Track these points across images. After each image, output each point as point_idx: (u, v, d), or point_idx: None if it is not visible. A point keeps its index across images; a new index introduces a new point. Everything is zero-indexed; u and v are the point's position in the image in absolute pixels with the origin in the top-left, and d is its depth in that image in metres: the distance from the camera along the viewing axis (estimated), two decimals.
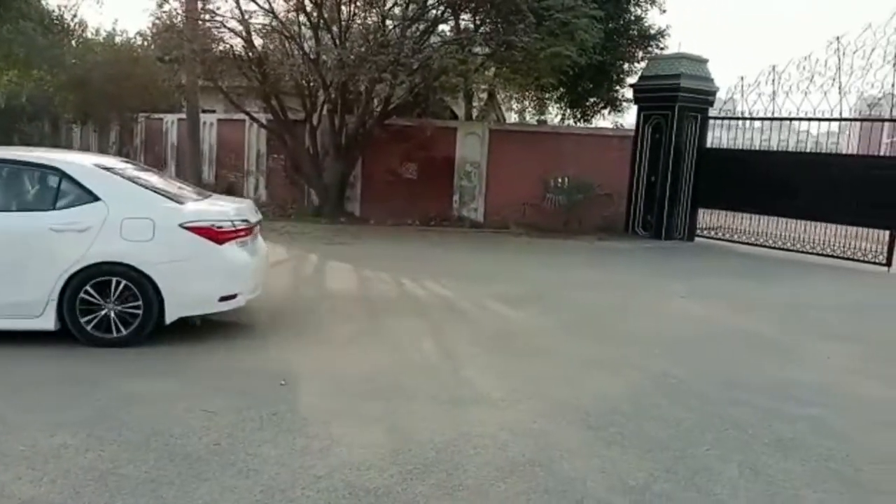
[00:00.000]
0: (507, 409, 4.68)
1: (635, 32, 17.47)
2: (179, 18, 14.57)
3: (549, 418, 4.55)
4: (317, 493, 3.46)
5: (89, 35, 25.32)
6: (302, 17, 14.07)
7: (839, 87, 12.27)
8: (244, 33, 14.16)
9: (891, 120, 12.31)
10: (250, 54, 14.35)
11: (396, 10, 14.40)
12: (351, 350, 5.90)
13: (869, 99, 12.79)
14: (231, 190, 17.49)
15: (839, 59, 12.26)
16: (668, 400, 4.99)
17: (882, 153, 12.86)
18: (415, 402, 4.71)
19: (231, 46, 14.55)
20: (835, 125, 13.52)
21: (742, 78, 13.90)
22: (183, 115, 17.69)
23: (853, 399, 5.26)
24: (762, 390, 5.29)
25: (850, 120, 13.37)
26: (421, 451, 3.96)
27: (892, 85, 11.73)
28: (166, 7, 14.77)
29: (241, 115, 16.02)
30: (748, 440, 4.34)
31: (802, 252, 12.86)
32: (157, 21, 15.36)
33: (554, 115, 21.53)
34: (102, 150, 24.99)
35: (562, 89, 18.16)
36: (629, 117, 18.88)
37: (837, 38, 12.28)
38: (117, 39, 25.37)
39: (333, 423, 4.30)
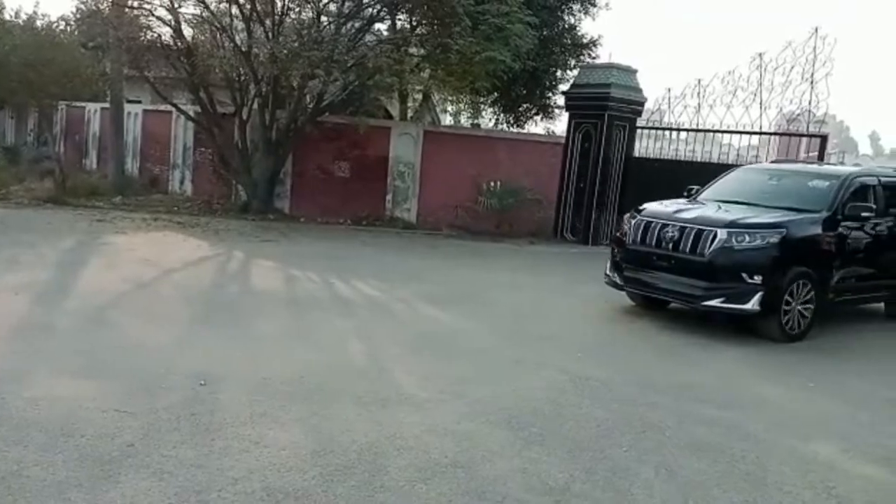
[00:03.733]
0: (432, 411, 4.67)
1: (568, 41, 17.74)
2: (105, 4, 14.07)
3: (472, 419, 4.57)
4: (233, 495, 3.39)
5: (7, 17, 24.19)
6: (234, 9, 13.77)
7: (760, 102, 12.77)
8: (173, 22, 13.77)
9: (808, 135, 12.88)
10: (179, 44, 13.96)
11: (332, 7, 14.24)
12: (275, 350, 5.80)
13: (788, 114, 13.34)
14: (155, 183, 17.01)
15: (761, 75, 12.76)
16: (590, 401, 5.09)
17: None
18: (339, 403, 4.66)
19: (159, 35, 14.13)
20: (755, 138, 14.06)
21: (669, 90, 14.30)
22: (106, 105, 17.09)
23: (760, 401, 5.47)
24: (676, 392, 5.44)
25: (770, 134, 13.89)
26: (343, 453, 3.92)
27: (809, 102, 12.29)
28: None
29: (168, 107, 15.56)
30: (664, 441, 4.46)
31: None
32: (81, 6, 14.82)
33: (488, 119, 21.69)
34: (19, 138, 23.94)
35: (496, 94, 18.28)
36: (561, 124, 19.19)
37: (760, 54, 12.79)
38: (38, 23, 24.33)
39: (254, 424, 4.21)
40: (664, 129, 14.37)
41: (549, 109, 18.96)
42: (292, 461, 3.77)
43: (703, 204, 8.35)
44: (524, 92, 18.09)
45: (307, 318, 7.00)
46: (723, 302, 7.14)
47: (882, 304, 9.18)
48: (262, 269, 9.63)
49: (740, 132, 13.25)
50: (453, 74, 14.58)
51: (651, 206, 8.23)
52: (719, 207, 8.04)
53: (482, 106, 20.89)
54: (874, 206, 8.06)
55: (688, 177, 13.43)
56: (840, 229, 7.76)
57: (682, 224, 7.46)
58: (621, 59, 15.00)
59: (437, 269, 10.62)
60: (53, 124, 21.00)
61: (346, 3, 13.82)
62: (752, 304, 7.00)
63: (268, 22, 13.42)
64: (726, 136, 13.68)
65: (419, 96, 19.76)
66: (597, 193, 14.36)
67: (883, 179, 8.60)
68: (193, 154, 16.66)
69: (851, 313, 8.85)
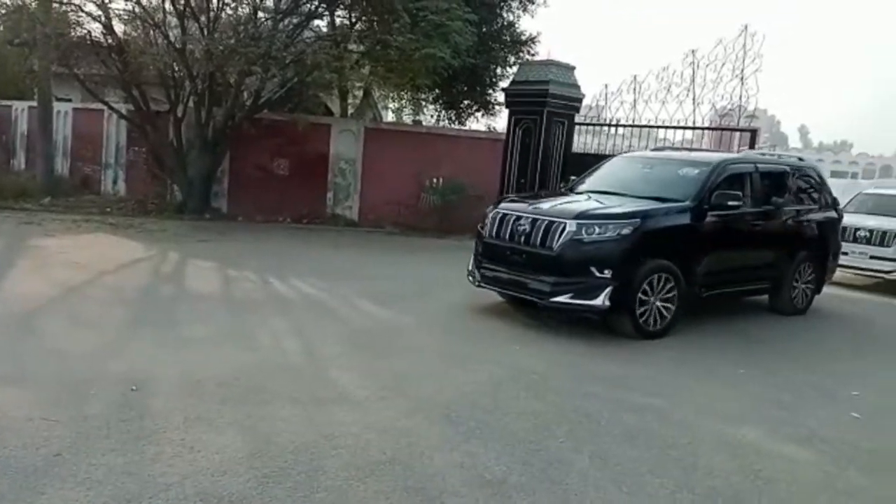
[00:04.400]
0: (371, 408, 4.66)
1: (508, 38, 17.89)
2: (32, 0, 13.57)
3: (411, 415, 4.57)
4: (166, 502, 3.32)
5: None
6: (167, 5, 13.43)
7: (693, 98, 13.09)
8: (103, 18, 13.36)
9: (739, 129, 13.25)
10: (110, 41, 13.56)
11: (269, 3, 14.04)
12: (209, 352, 5.68)
13: (721, 110, 13.70)
14: (87, 183, 16.50)
15: (693, 72, 13.07)
16: (527, 393, 5.14)
17: None
18: (275, 404, 4.60)
19: (89, 32, 13.70)
20: (690, 133, 14.38)
21: (606, 86, 14.52)
22: (34, 103, 16.48)
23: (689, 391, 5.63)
24: (610, 382, 5.55)
25: (703, 129, 14.26)
26: (279, 455, 3.87)
27: (741, 97, 12.65)
28: None
29: (100, 105, 15.10)
30: (599, 431, 4.54)
31: None
32: (6, 2, 14.23)
33: (430, 115, 21.71)
34: None
35: (437, 91, 18.32)
36: (501, 121, 19.34)
37: (692, 51, 13.10)
38: None
39: (187, 428, 4.13)
40: (602, 125, 14.60)
41: (490, 106, 19.09)
42: (227, 465, 3.71)
43: (571, 195, 8.16)
44: (465, 88, 18.17)
45: (243, 318, 6.88)
46: (571, 298, 6.72)
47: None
48: (197, 269, 9.44)
49: (674, 127, 13.55)
50: (393, 71, 14.54)
51: (511, 198, 8.08)
52: (588, 198, 7.84)
53: (423, 103, 20.91)
54: (742, 195, 7.71)
55: None
56: (708, 219, 7.40)
57: (533, 216, 7.14)
58: (559, 56, 15.25)
59: (377, 265, 10.59)
60: None
61: None
62: (602, 300, 6.63)
63: (203, 18, 13.16)
64: (661, 131, 13.99)
65: (360, 93, 19.66)
66: (537, 188, 14.51)
67: (761, 167, 8.38)
68: (127, 153, 16.21)
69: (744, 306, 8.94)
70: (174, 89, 14.03)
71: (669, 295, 7.02)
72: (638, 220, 6.85)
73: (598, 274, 6.65)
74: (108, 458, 3.69)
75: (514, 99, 14.95)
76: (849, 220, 11.84)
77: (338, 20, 15.08)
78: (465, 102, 19.06)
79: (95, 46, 13.63)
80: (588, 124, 14.74)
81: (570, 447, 4.25)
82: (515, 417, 4.66)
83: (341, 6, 14.29)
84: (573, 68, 14.92)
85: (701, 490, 3.86)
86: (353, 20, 14.37)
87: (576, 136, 14.82)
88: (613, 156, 13.10)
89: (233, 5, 13.86)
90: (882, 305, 10.82)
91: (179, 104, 14.14)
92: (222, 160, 14.66)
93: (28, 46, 14.28)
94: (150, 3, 13.78)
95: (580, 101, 14.89)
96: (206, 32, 12.96)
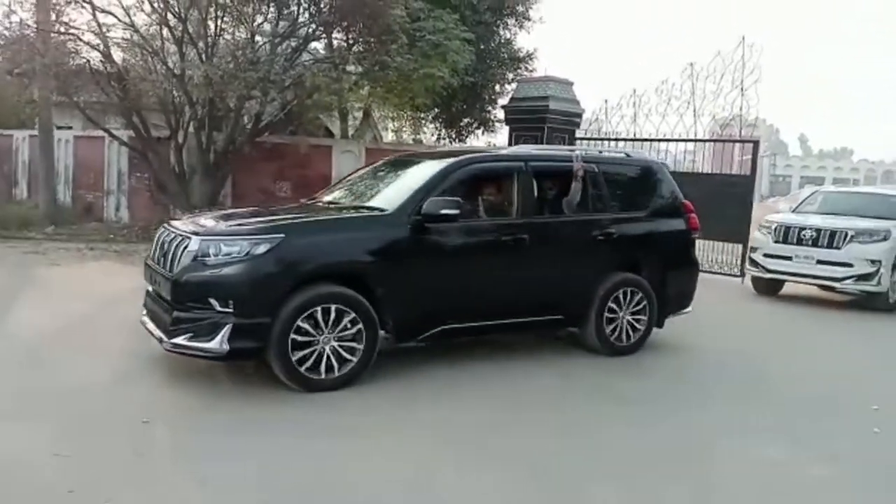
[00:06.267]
0: None
1: (505, 55, 17.99)
2: (30, 31, 13.62)
3: None
4: None
5: None
6: (165, 32, 13.49)
7: (694, 110, 13.10)
8: (102, 47, 13.40)
9: (741, 141, 13.25)
10: (109, 69, 13.59)
11: (266, 27, 14.10)
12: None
13: (721, 121, 13.71)
14: (89, 211, 16.49)
15: (693, 84, 13.09)
16: None
17: (735, 170, 13.74)
18: None
19: (88, 60, 13.72)
20: (691, 145, 14.39)
21: (606, 101, 14.54)
22: (35, 132, 16.52)
23: None
24: None
25: (704, 141, 14.25)
26: None
27: (741, 108, 12.66)
28: (15, 18, 13.79)
29: (101, 132, 15.12)
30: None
31: None
32: (4, 32, 14.29)
33: (430, 134, 21.77)
34: None
35: (436, 109, 18.41)
36: (502, 137, 19.39)
37: (691, 64, 13.14)
38: None
39: (200, 460, 4.06)
40: (602, 139, 14.60)
41: (490, 123, 19.18)
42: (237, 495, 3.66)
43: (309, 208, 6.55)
44: (464, 106, 18.27)
45: None
46: (189, 339, 5.10)
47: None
48: None
49: (675, 140, 13.58)
50: (393, 91, 14.62)
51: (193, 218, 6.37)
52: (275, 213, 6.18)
53: (423, 121, 20.98)
54: (461, 201, 5.84)
55: None
56: (420, 233, 5.70)
57: (176, 234, 5.60)
58: (557, 72, 15.23)
59: None
60: None
61: (281, 23, 13.70)
62: (219, 343, 4.99)
63: (200, 44, 13.20)
64: (663, 143, 13.99)
65: (360, 114, 19.73)
66: None
67: (535, 164, 6.62)
68: (129, 180, 16.20)
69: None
70: (174, 115, 14.06)
71: (353, 336, 5.34)
72: (281, 236, 5.23)
73: (218, 307, 5.05)
74: (124, 495, 3.63)
75: (514, 116, 15.01)
76: (793, 219, 10.97)
77: (335, 42, 15.14)
78: (465, 120, 19.15)
79: (95, 75, 13.66)
80: (589, 139, 14.75)
81: None
82: None
83: (338, 28, 14.34)
84: (572, 83, 15.00)
85: None
86: (351, 42, 14.43)
87: None
88: None
89: (230, 30, 13.92)
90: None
91: (180, 130, 14.16)
92: (225, 184, 14.68)
93: (28, 76, 14.31)
94: (149, 30, 13.83)
95: (580, 115, 14.96)
96: (204, 58, 13.00)
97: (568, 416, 5.22)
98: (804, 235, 10.30)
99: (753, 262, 11.08)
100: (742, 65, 12.46)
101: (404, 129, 23.06)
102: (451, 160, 6.27)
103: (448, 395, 5.50)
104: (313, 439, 4.46)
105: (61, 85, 13.71)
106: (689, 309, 7.40)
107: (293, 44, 13.96)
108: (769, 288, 11.13)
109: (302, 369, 5.16)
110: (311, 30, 14.02)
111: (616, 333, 6.74)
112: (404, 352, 6.03)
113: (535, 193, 6.61)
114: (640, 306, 6.85)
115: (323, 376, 5.23)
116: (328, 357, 5.24)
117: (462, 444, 4.55)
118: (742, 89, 12.56)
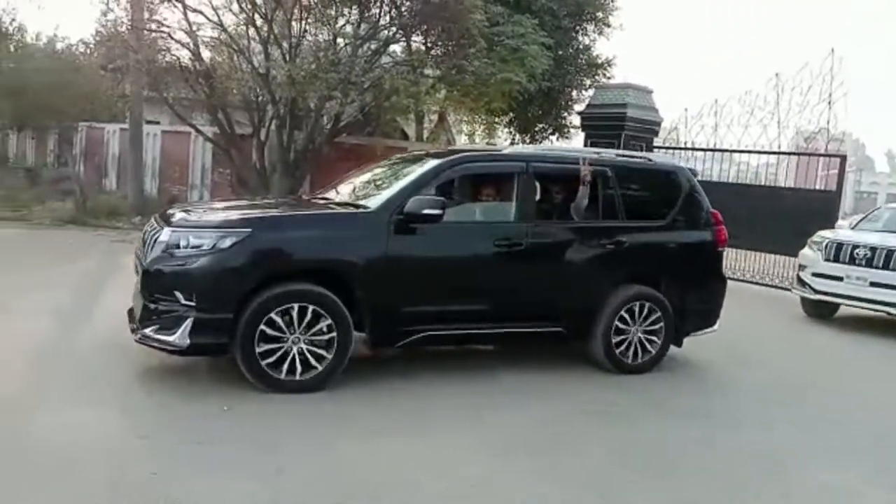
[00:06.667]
0: None
1: (583, 61, 17.87)
2: (124, 28, 14.25)
3: None
4: None
5: (29, 40, 24.62)
6: (251, 32, 13.91)
7: (778, 122, 12.75)
8: (191, 45, 13.92)
9: (827, 155, 12.81)
10: (198, 66, 14.11)
11: (348, 29, 14.37)
12: None
13: (805, 133, 13.28)
14: (174, 203, 17.13)
15: (778, 95, 12.75)
16: None
17: (818, 185, 13.26)
18: None
19: (178, 58, 14.29)
20: (772, 157, 13.99)
21: (686, 110, 14.38)
22: (125, 125, 17.28)
23: None
24: None
25: (789, 154, 13.83)
26: None
27: (827, 121, 12.25)
28: (111, 16, 14.45)
29: (187, 128, 15.71)
30: None
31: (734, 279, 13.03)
32: (101, 29, 15.01)
33: (503, 138, 21.79)
34: (39, 159, 24.25)
35: (511, 114, 18.41)
36: (576, 144, 19.22)
37: (777, 74, 12.80)
38: (58, 46, 24.73)
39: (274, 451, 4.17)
40: (681, 148, 14.35)
41: (565, 129, 19.08)
42: (314, 486, 3.75)
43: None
44: (539, 112, 18.21)
45: None
46: (155, 332, 5.01)
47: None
48: None
49: (758, 152, 13.25)
50: (469, 95, 14.69)
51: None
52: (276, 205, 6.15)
53: (497, 126, 21.01)
54: (447, 200, 5.56)
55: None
56: (406, 235, 5.40)
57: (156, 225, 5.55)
58: (636, 80, 15.05)
59: None
60: (73, 145, 21.25)
61: (362, 26, 13.94)
62: (179, 336, 4.89)
63: (285, 44, 13.56)
64: (743, 154, 13.64)
65: (435, 117, 19.89)
66: None
67: (536, 165, 6.16)
68: (212, 174, 16.80)
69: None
70: (257, 113, 14.49)
71: (325, 338, 5.12)
72: (249, 230, 5.05)
73: (182, 300, 4.95)
74: (201, 480, 3.77)
75: (591, 122, 14.88)
76: (846, 235, 9.83)
77: (414, 45, 15.32)
78: (540, 125, 19.08)
79: (184, 72, 14.19)
80: (667, 147, 14.51)
81: None
82: None
83: (418, 31, 14.51)
84: (651, 91, 14.78)
85: None
86: (429, 45, 14.57)
87: None
88: None
89: (314, 32, 14.24)
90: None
91: (262, 128, 14.58)
92: (303, 182, 15.03)
93: (121, 72, 14.97)
94: (236, 30, 14.28)
95: (658, 124, 14.73)
96: (288, 58, 13.35)
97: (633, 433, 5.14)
98: (857, 254, 9.10)
99: (801, 282, 9.91)
100: (831, 77, 12.08)
101: (478, 133, 23.14)
102: (444, 159, 5.97)
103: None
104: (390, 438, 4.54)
105: (152, 81, 14.32)
106: (714, 327, 6.81)
107: (373, 46, 14.19)
108: (819, 310, 9.88)
109: (267, 367, 5.01)
110: (391, 33, 14.22)
111: (625, 349, 6.25)
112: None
113: (537, 197, 6.27)
114: (655, 322, 6.33)
115: (296, 377, 5.08)
116: (295, 358, 5.05)
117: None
118: (830, 102, 12.17)
